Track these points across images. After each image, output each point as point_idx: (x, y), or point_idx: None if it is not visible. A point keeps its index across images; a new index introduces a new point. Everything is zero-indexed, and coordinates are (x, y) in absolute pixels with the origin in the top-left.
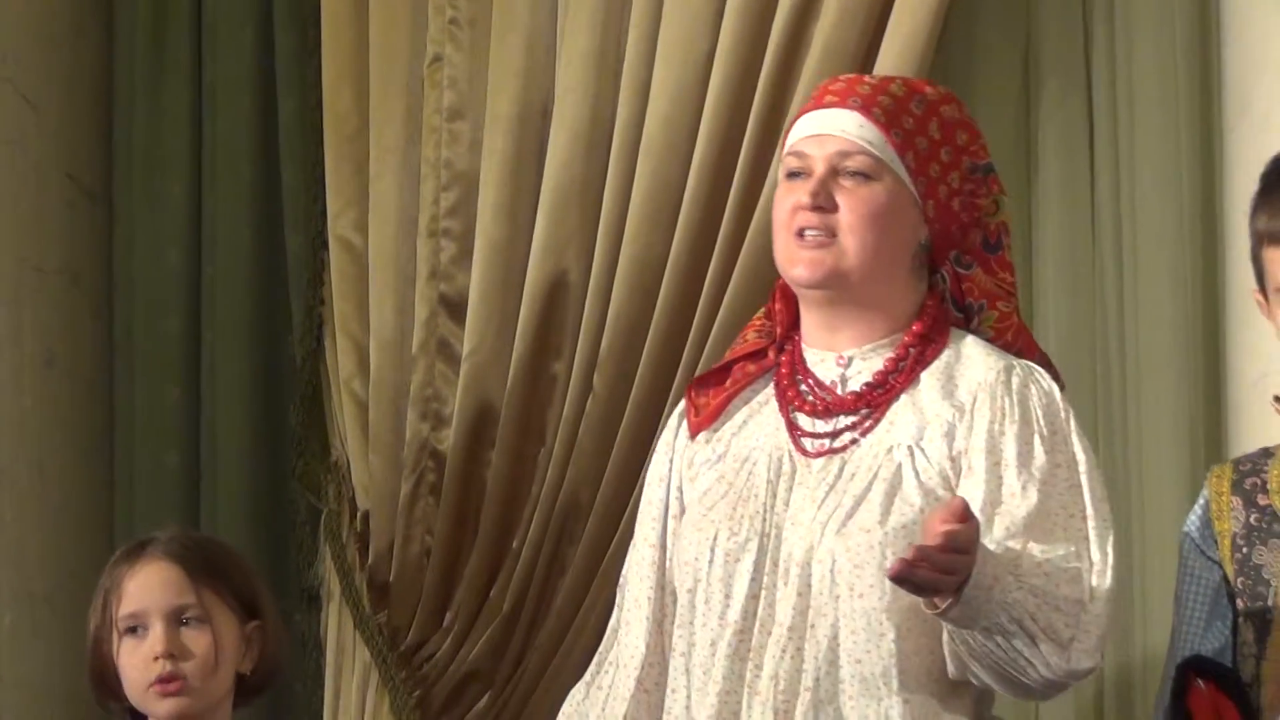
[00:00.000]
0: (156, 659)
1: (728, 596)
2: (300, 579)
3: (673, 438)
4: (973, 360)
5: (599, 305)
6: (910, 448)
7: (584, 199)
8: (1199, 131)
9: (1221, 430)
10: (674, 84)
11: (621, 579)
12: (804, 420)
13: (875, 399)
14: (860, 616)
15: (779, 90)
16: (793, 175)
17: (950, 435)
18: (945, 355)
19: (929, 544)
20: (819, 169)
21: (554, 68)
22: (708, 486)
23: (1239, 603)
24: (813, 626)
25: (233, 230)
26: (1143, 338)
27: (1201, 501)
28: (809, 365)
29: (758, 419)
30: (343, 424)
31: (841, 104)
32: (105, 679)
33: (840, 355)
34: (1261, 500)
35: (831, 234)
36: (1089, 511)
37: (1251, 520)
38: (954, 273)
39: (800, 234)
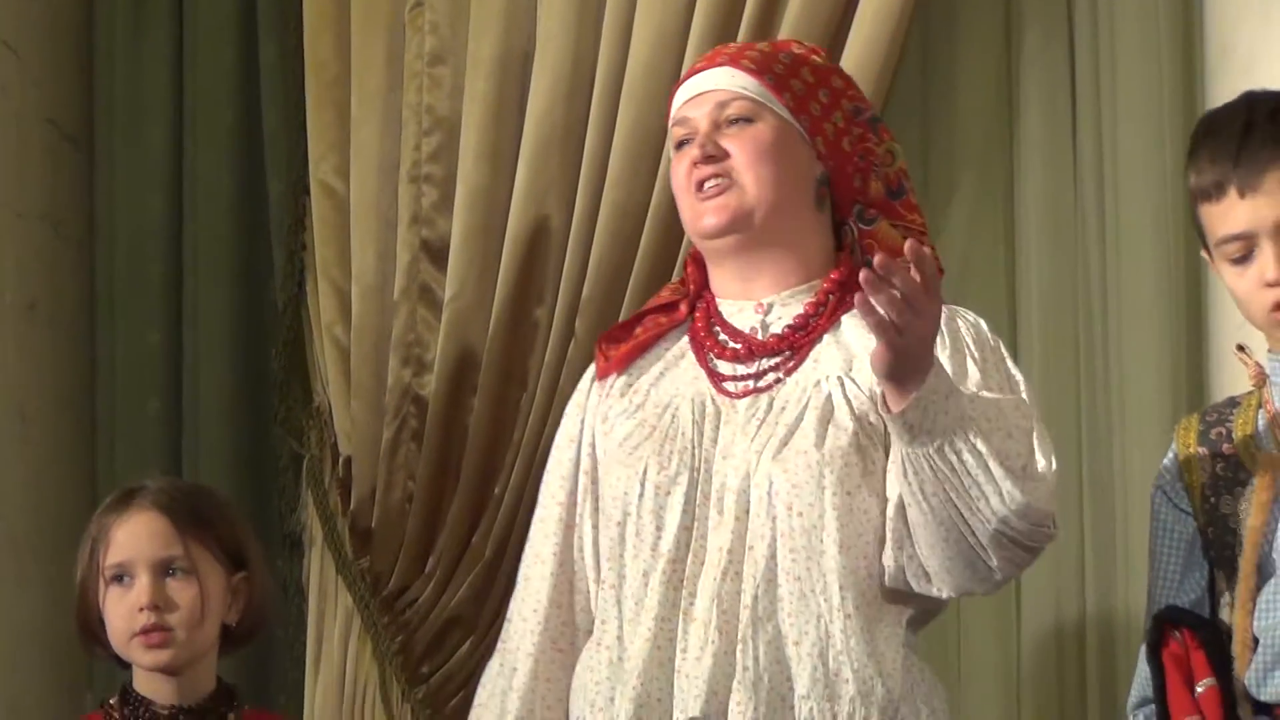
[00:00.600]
0: (142, 610)
1: (659, 528)
2: (282, 525)
3: (584, 399)
4: None
5: (580, 251)
6: (839, 378)
7: (565, 145)
8: (1181, 78)
9: (1204, 381)
10: (655, 30)
11: (529, 536)
12: (724, 366)
13: (798, 340)
14: (799, 534)
15: (759, 36)
16: (681, 144)
17: None
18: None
19: (889, 261)
20: (703, 126)
21: (535, 12)
22: (628, 432)
23: (1211, 552)
24: (750, 548)
25: (214, 176)
26: (1125, 287)
27: (1171, 454)
28: (725, 316)
29: (674, 371)
30: (325, 370)
31: (710, 65)
32: (91, 625)
33: (759, 302)
34: (1226, 449)
35: (728, 178)
36: (1030, 415)
37: (1217, 470)
38: (859, 229)
39: (700, 188)
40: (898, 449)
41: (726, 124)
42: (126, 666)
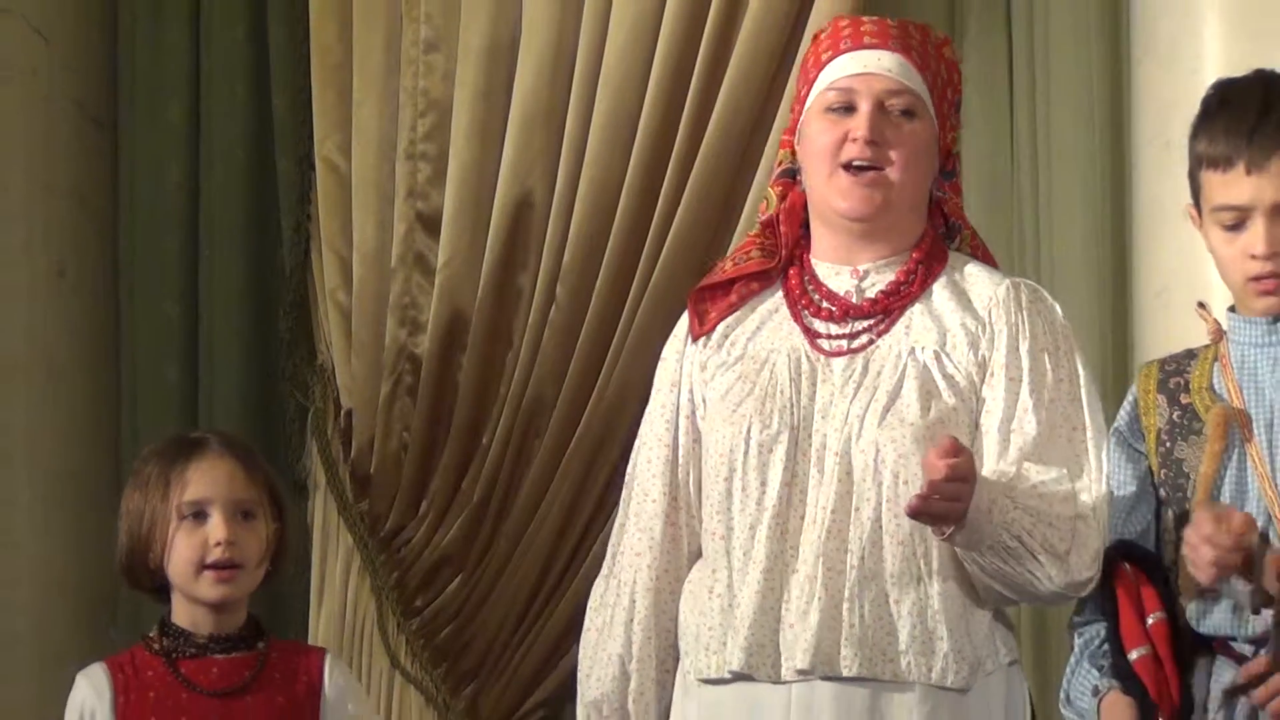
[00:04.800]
0: (218, 545)
1: (763, 484)
2: (289, 471)
3: (681, 346)
4: (977, 277)
5: (562, 222)
6: (936, 352)
7: (548, 125)
8: (1108, 64)
9: (1127, 336)
10: (631, 19)
11: (628, 479)
12: (819, 325)
13: (891, 304)
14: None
15: (727, 23)
16: (834, 110)
17: (975, 344)
18: (949, 272)
19: (934, 478)
20: (866, 105)
21: (521, 3)
22: (729, 386)
23: (1161, 493)
24: (856, 510)
25: (227, 154)
26: (1057, 252)
27: (1130, 399)
28: (820, 278)
29: (770, 325)
30: (328, 330)
31: (883, 45)
32: (146, 557)
33: (855, 269)
34: (1184, 399)
35: (880, 168)
36: (1087, 423)
37: (1174, 417)
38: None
39: (849, 166)
40: None
41: (892, 112)
42: (165, 600)
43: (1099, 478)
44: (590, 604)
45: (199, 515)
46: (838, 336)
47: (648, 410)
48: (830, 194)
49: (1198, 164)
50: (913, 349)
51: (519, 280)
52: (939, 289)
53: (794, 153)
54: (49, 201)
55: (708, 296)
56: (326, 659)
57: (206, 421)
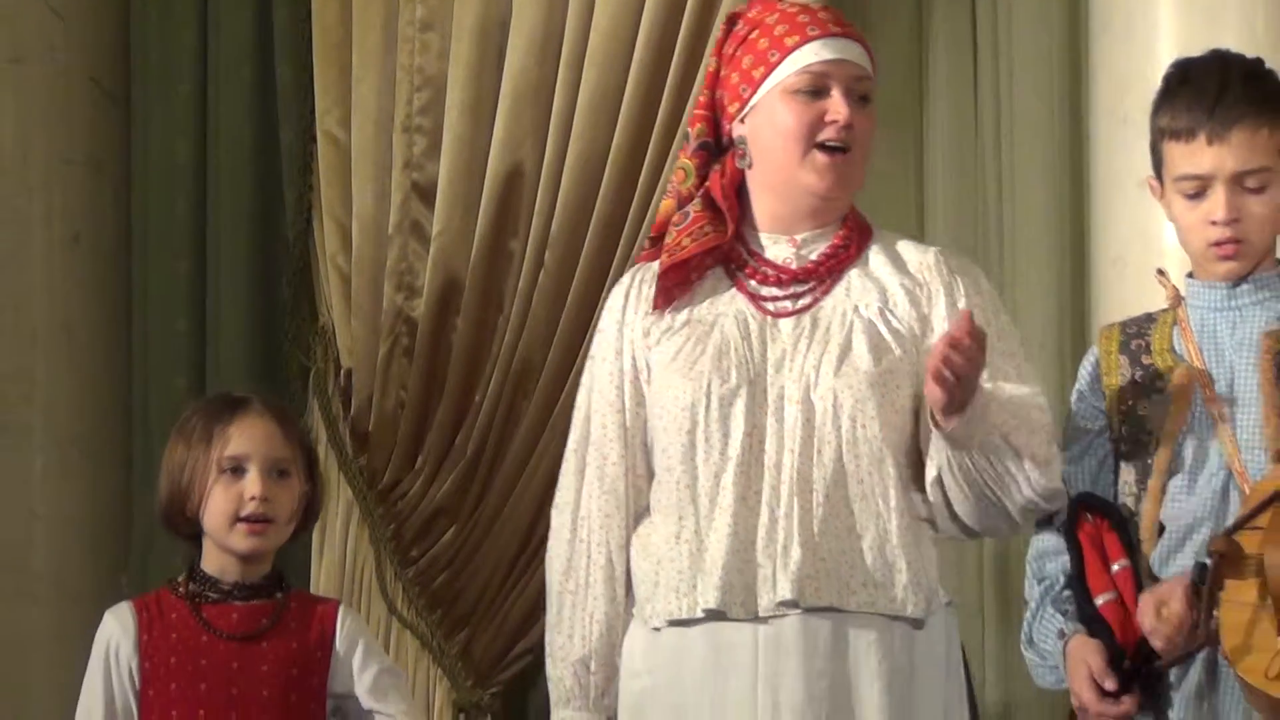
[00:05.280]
0: (253, 499)
1: (725, 435)
2: None
3: (620, 315)
4: (906, 245)
5: (550, 192)
6: (880, 309)
7: (537, 101)
8: (1067, 44)
9: (1084, 301)
10: (615, 2)
11: (576, 446)
12: (762, 289)
13: (830, 267)
14: (864, 444)
15: (705, 9)
16: (803, 92)
17: (915, 301)
18: (878, 241)
19: (956, 334)
20: (838, 89)
21: None
22: (679, 348)
23: (1121, 447)
24: (819, 453)
25: (234, 126)
26: (1019, 219)
27: (1091, 359)
28: (760, 246)
29: (707, 291)
30: (329, 294)
31: (848, 34)
32: (184, 505)
33: (793, 238)
34: (1145, 360)
35: (848, 149)
36: (1022, 371)
37: (1136, 377)
38: None
39: (823, 146)
40: (940, 444)
41: (855, 97)
42: (196, 546)
43: (1054, 435)
44: (554, 570)
45: (237, 470)
46: (781, 298)
47: (588, 380)
48: (803, 172)
49: (1160, 136)
50: (856, 307)
51: (509, 247)
52: (873, 255)
53: (714, 128)
54: (65, 171)
55: (674, 275)
56: (340, 610)
57: (213, 381)
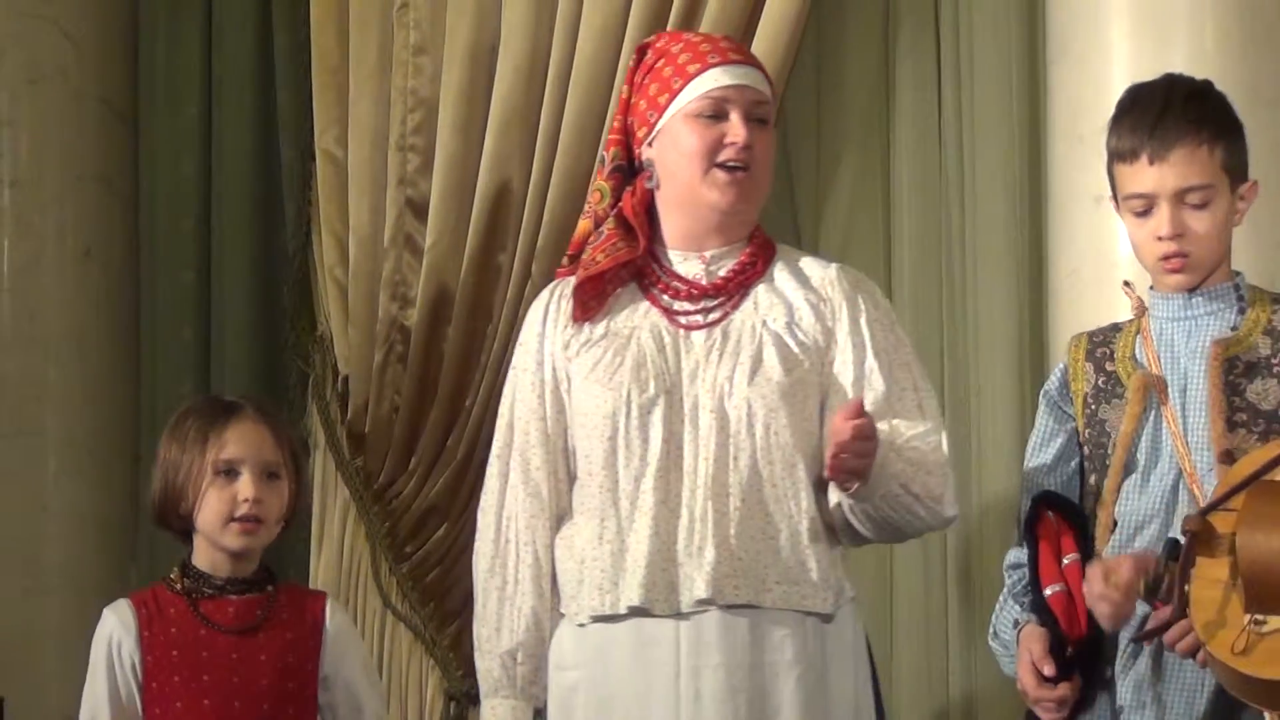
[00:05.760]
0: (246, 501)
1: (645, 441)
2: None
3: (540, 329)
4: (809, 262)
5: (536, 208)
6: (787, 323)
7: (524, 121)
8: (1026, 70)
9: (1043, 312)
10: (598, 28)
11: (499, 453)
12: (675, 305)
13: (738, 284)
14: (777, 450)
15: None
16: (704, 116)
17: (820, 315)
18: (783, 258)
19: (844, 439)
20: (736, 113)
21: (500, 12)
22: (597, 359)
23: (1085, 450)
24: (735, 459)
25: (237, 145)
26: (980, 234)
27: (1061, 366)
28: (673, 263)
29: (624, 306)
30: (327, 304)
31: (748, 62)
32: (179, 504)
33: (703, 255)
34: (1109, 367)
35: (748, 168)
36: (919, 385)
37: (1100, 383)
38: None
39: (725, 166)
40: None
41: (754, 119)
42: (187, 542)
43: (941, 434)
44: (480, 568)
45: (230, 473)
46: (693, 313)
47: (510, 390)
48: (704, 189)
49: (1111, 159)
50: (764, 321)
51: (498, 260)
52: (778, 271)
53: (627, 151)
54: (77, 187)
55: (589, 288)
56: (327, 601)
57: (218, 386)
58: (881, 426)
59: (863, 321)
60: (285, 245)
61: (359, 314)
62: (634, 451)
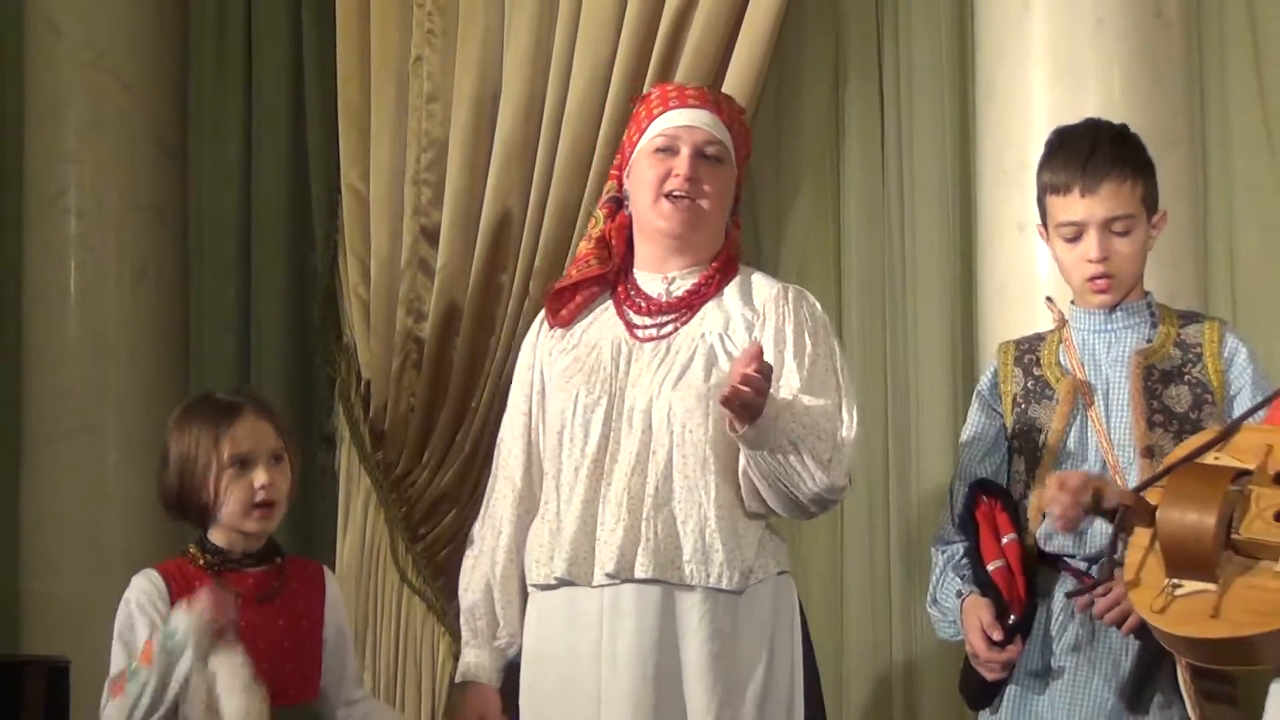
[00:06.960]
0: (262, 488)
1: (586, 436)
2: (322, 428)
3: (535, 338)
4: (759, 283)
5: (534, 233)
6: (720, 334)
7: (523, 158)
8: (958, 109)
9: (973, 323)
10: (587, 74)
11: (499, 443)
12: (636, 318)
13: (691, 302)
14: (690, 446)
15: (662, 78)
16: (660, 151)
17: (750, 327)
18: (739, 279)
19: (742, 370)
20: (687, 150)
21: (501, 64)
22: (567, 364)
23: (1015, 443)
24: (654, 453)
25: (273, 179)
26: (919, 256)
27: (992, 369)
28: (640, 282)
29: (601, 320)
30: (351, 318)
31: (703, 105)
32: (197, 496)
33: (665, 275)
34: (1036, 371)
35: (693, 199)
36: (842, 386)
37: (1028, 385)
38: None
39: (670, 195)
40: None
41: (706, 157)
42: (202, 526)
43: (852, 424)
44: (469, 542)
45: (243, 464)
46: (649, 326)
47: (512, 388)
48: (653, 216)
49: (1044, 191)
50: (703, 333)
51: (500, 279)
52: (729, 291)
53: (620, 184)
54: (133, 216)
55: (560, 297)
56: (325, 570)
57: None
58: (785, 395)
59: (789, 330)
60: (315, 266)
61: (379, 327)
62: (576, 445)
